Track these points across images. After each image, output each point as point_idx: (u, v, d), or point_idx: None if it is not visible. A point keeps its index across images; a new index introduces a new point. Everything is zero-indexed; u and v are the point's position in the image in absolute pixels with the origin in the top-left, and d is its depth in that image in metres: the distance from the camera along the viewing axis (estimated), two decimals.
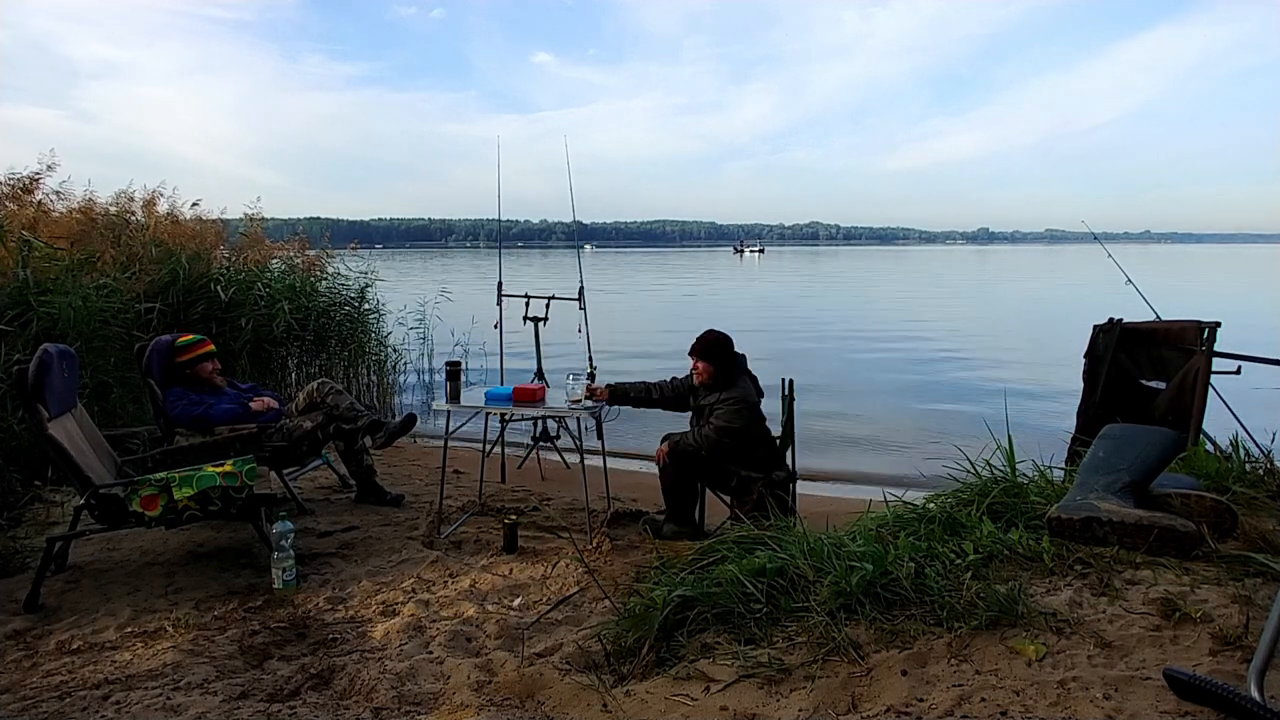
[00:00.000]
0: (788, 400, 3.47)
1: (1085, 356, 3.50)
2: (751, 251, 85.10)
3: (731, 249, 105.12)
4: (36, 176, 6.01)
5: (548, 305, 4.93)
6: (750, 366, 3.53)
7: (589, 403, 3.48)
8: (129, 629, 2.47)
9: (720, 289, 28.15)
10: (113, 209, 6.25)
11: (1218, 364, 3.09)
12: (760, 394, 3.48)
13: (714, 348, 3.41)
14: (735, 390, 3.36)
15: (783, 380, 3.53)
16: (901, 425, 7.01)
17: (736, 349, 3.46)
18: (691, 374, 3.49)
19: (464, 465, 4.78)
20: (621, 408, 3.77)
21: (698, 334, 3.45)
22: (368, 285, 7.18)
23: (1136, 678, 1.44)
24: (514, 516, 3.39)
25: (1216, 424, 2.99)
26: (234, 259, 6.70)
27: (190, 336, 3.78)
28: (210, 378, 3.71)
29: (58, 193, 6.11)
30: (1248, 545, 1.91)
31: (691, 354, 3.46)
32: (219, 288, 5.85)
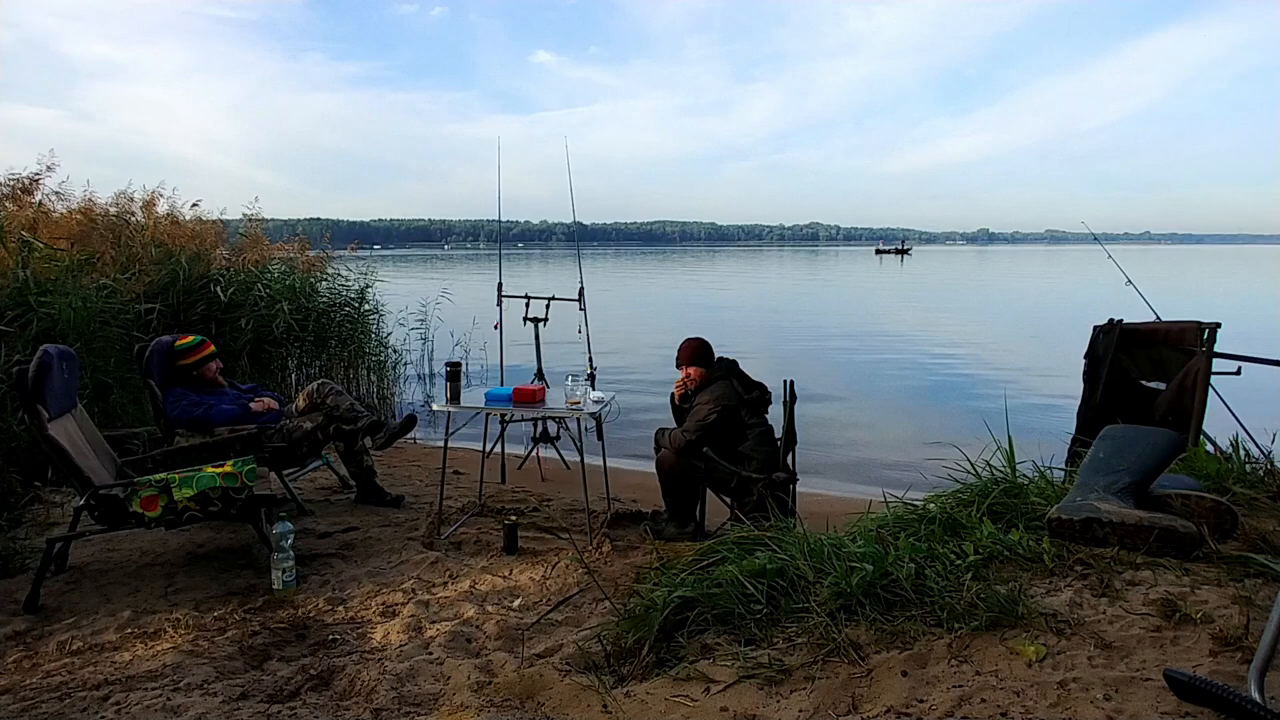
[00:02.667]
0: (788, 402, 3.47)
1: (1085, 357, 3.51)
2: (896, 252, 75.05)
3: (874, 250, 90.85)
4: (36, 177, 6.02)
5: (548, 306, 4.93)
6: (753, 365, 3.56)
7: (590, 404, 3.48)
8: (129, 630, 2.47)
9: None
10: (112, 210, 6.25)
11: (1218, 364, 3.09)
12: (755, 394, 3.51)
13: (692, 353, 3.56)
14: (707, 392, 3.44)
15: (784, 382, 3.53)
16: (901, 426, 7.01)
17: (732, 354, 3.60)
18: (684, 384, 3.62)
19: (464, 466, 4.78)
20: (622, 408, 3.78)
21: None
22: (367, 286, 7.19)
23: (1137, 678, 1.44)
24: (514, 517, 3.39)
25: (1216, 424, 2.99)
26: (233, 260, 6.70)
27: (190, 338, 3.78)
28: (216, 377, 3.76)
29: (57, 193, 6.14)
30: (1248, 546, 1.91)
31: (679, 364, 3.60)
32: (219, 288, 5.86)
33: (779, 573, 2.05)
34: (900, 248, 78.02)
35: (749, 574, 2.05)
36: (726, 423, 3.39)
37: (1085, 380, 3.50)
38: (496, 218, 5.86)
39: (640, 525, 3.61)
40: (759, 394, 3.52)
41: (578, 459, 3.66)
